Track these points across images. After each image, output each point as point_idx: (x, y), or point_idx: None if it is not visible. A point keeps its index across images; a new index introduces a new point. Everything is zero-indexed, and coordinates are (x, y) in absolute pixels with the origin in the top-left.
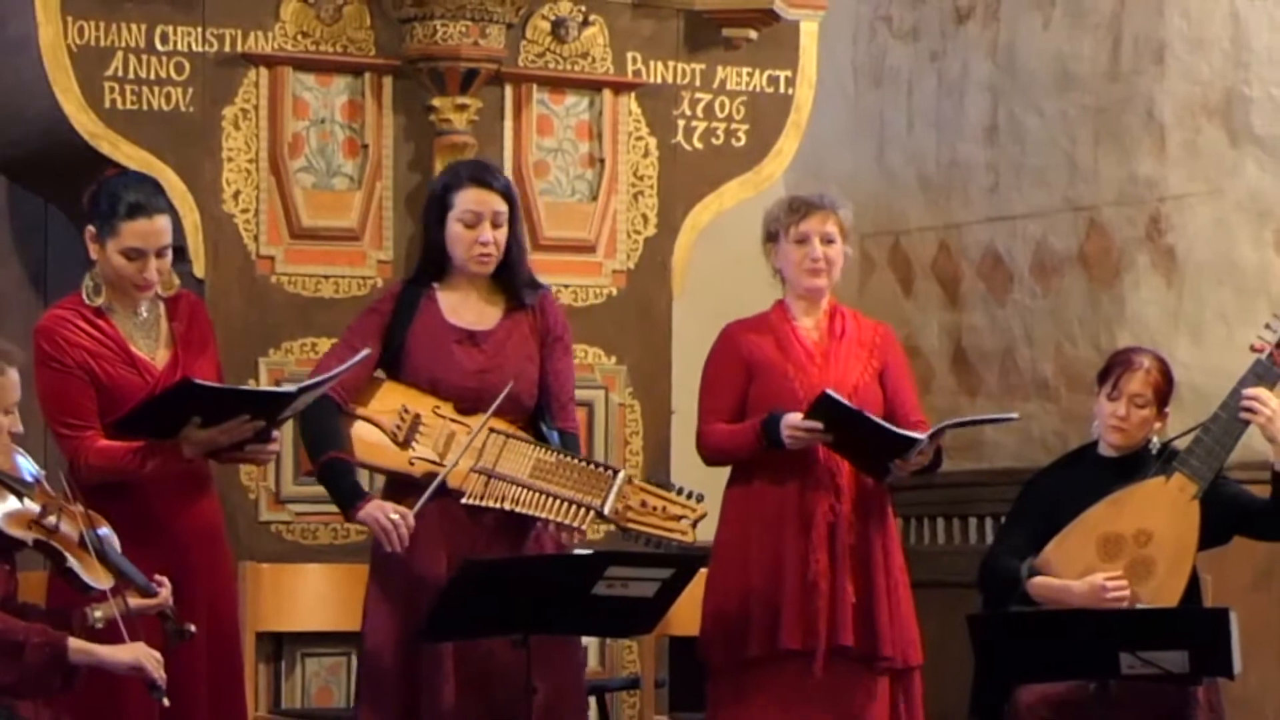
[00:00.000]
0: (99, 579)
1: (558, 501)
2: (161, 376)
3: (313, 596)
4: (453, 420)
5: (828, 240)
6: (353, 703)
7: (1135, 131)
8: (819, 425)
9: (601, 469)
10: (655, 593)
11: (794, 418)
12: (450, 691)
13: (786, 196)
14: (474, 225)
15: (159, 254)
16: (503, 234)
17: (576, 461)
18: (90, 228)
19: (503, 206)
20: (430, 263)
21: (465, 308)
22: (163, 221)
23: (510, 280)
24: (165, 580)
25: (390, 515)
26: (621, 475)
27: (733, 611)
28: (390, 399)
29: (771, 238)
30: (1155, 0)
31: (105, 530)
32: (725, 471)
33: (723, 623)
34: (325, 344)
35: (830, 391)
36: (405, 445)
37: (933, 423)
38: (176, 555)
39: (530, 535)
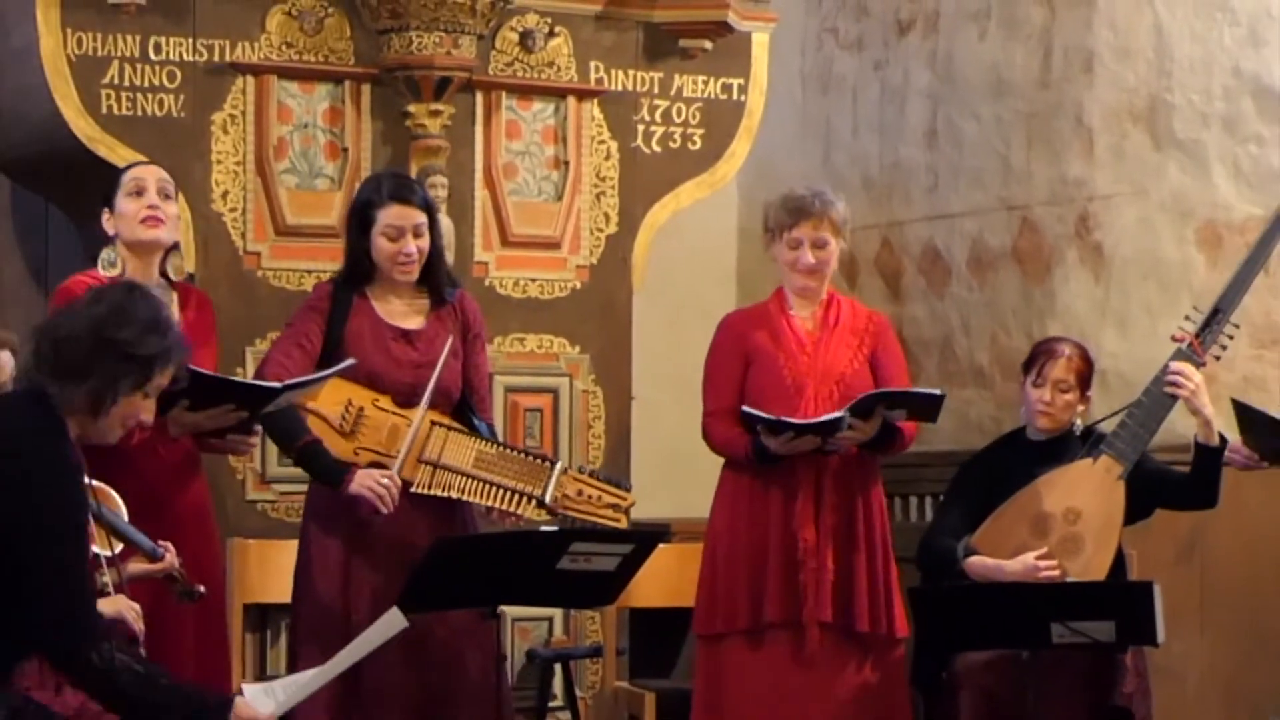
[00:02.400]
0: (105, 546)
1: (501, 490)
2: None
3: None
4: (393, 413)
5: (820, 245)
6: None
7: (1065, 135)
8: (790, 434)
9: (539, 460)
10: (616, 567)
11: (773, 443)
12: (392, 664)
13: (785, 194)
14: (397, 239)
15: (163, 194)
16: (424, 242)
17: (515, 453)
18: (105, 211)
19: (422, 218)
20: (356, 270)
21: (395, 309)
22: (159, 169)
23: (433, 283)
24: (170, 545)
25: (381, 480)
26: (559, 466)
27: (722, 585)
28: (334, 394)
29: (768, 231)
30: (1084, 13)
31: (116, 503)
32: (684, 453)
33: (712, 595)
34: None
35: (745, 408)
36: (350, 436)
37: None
38: (169, 532)
39: (458, 518)
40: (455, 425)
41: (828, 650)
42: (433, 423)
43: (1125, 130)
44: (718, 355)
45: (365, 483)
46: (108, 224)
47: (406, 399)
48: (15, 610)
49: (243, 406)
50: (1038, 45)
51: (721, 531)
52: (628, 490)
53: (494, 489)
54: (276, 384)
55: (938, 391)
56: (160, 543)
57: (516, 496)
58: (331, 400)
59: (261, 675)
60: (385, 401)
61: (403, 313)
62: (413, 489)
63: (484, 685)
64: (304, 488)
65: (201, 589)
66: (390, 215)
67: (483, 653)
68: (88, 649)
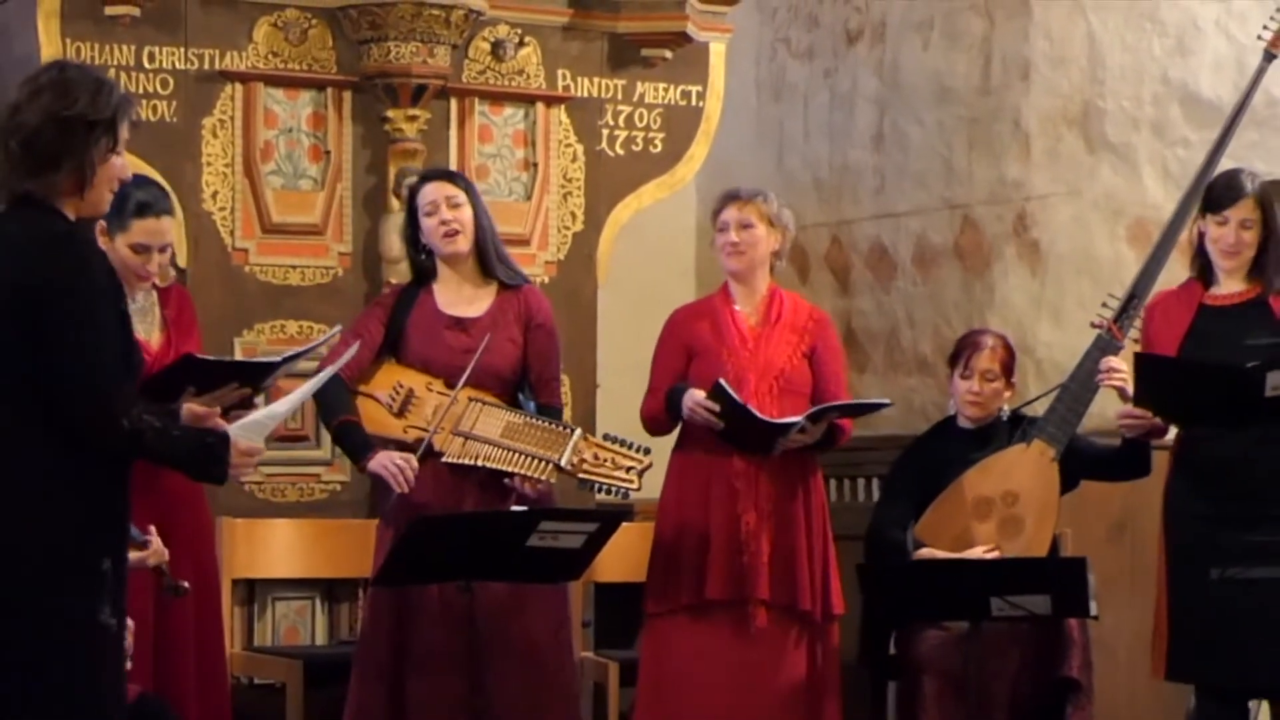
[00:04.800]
0: None
1: (523, 457)
2: (157, 355)
3: (281, 547)
4: (440, 394)
5: (745, 226)
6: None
7: (1004, 139)
8: (715, 407)
9: (561, 428)
10: (582, 544)
11: (695, 394)
12: (434, 629)
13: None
14: (434, 213)
15: (161, 250)
16: (463, 212)
17: (540, 422)
18: (101, 221)
19: (454, 190)
20: (416, 265)
21: (459, 298)
22: (168, 222)
23: (485, 264)
24: (153, 529)
25: (396, 461)
26: (577, 433)
27: (669, 564)
28: (388, 377)
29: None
30: (1021, 24)
31: None
32: (646, 438)
33: (659, 574)
34: (293, 325)
35: (722, 381)
36: (400, 416)
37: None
38: (163, 515)
39: (511, 491)
40: (491, 400)
41: (768, 628)
42: (470, 398)
43: (1060, 134)
44: (662, 347)
45: (383, 461)
46: (102, 240)
47: (458, 381)
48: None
49: (245, 383)
50: (978, 54)
51: (668, 513)
52: (646, 452)
53: (517, 456)
54: (274, 359)
55: (886, 401)
56: (147, 531)
57: (536, 462)
58: (384, 383)
59: (249, 645)
60: (438, 384)
61: (466, 301)
62: (445, 459)
63: (537, 649)
64: (289, 470)
65: (185, 585)
66: (425, 194)
67: (538, 618)
68: (120, 416)
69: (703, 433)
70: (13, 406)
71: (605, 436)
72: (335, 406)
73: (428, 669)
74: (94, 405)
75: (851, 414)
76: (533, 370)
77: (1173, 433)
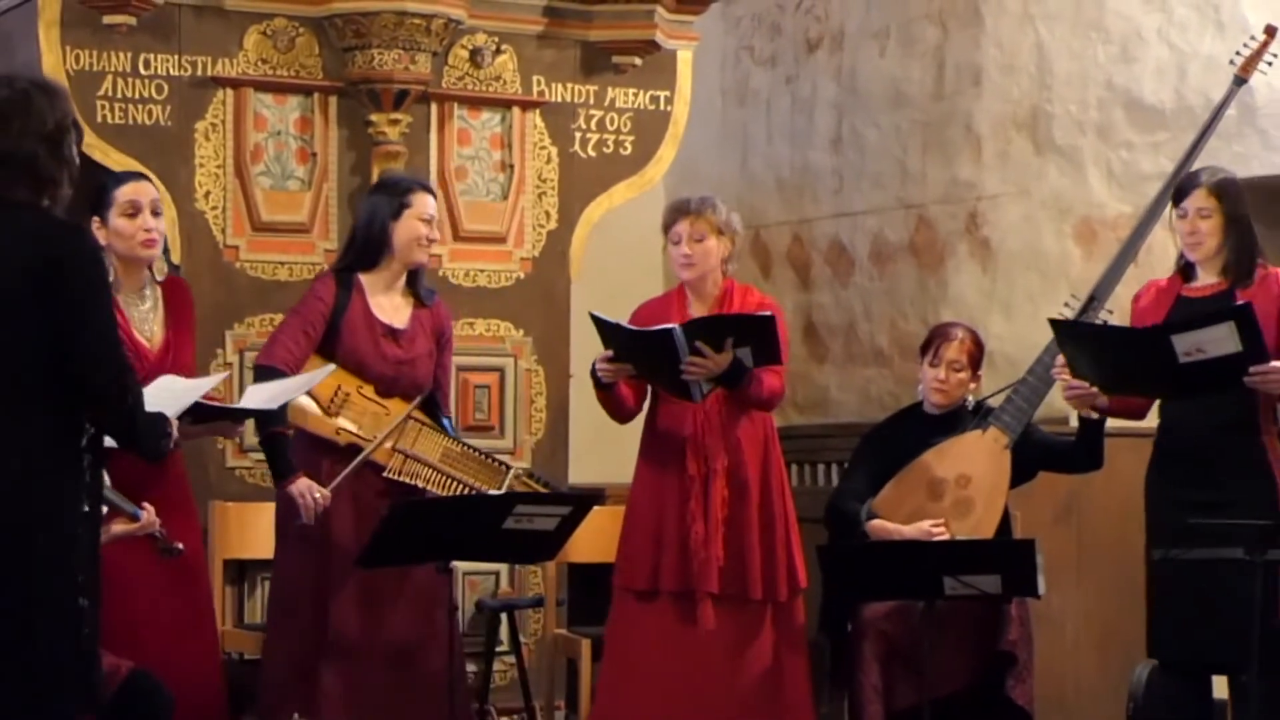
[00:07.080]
0: None
1: (460, 485)
2: (155, 361)
3: (270, 530)
4: (373, 401)
5: (697, 239)
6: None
7: (956, 142)
8: (609, 354)
9: (496, 464)
10: (556, 526)
11: (599, 362)
12: (353, 612)
13: (673, 199)
14: (429, 223)
15: (154, 211)
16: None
17: (476, 454)
18: (95, 218)
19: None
20: (371, 250)
21: (387, 302)
22: (149, 186)
23: (416, 286)
24: (149, 506)
25: (315, 495)
26: (513, 471)
27: (631, 550)
28: (328, 377)
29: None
30: (973, 33)
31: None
32: (616, 426)
33: (624, 558)
34: (282, 320)
35: (592, 312)
36: (334, 417)
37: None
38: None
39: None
40: (429, 422)
41: (720, 616)
42: (409, 417)
43: (1010, 137)
44: None
45: (302, 489)
46: (99, 233)
47: (386, 389)
48: (76, 378)
49: (238, 422)
50: (932, 61)
51: (635, 501)
52: (577, 499)
53: (454, 483)
54: (273, 407)
55: (769, 315)
56: (142, 505)
57: (473, 493)
58: (325, 383)
59: (239, 622)
60: (369, 390)
61: (393, 310)
62: (385, 474)
63: (441, 634)
64: None
65: (180, 546)
66: (427, 204)
67: (439, 604)
68: (128, 391)
69: (658, 431)
70: (19, 382)
71: (533, 476)
72: (273, 415)
73: (349, 657)
74: (109, 377)
75: (742, 337)
76: (438, 382)
77: (1152, 421)
